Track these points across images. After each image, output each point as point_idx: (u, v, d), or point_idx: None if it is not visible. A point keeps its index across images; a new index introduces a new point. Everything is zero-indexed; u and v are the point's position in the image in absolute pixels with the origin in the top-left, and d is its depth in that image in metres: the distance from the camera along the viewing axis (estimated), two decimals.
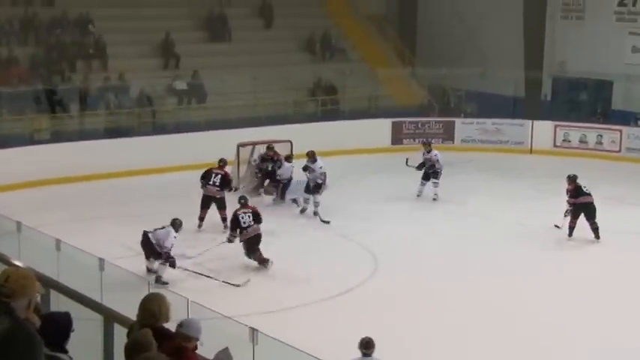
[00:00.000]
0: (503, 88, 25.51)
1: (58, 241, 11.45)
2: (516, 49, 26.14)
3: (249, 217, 13.84)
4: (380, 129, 24.00)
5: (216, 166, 16.15)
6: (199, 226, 15.82)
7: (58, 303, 6.85)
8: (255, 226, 13.86)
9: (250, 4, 27.01)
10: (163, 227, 13.18)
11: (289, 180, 18.05)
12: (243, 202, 14.27)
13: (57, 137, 20.59)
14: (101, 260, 10.63)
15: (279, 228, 16.35)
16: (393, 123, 24.34)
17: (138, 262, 13.45)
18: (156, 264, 13.10)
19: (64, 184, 19.27)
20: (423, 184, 18.66)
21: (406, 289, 13.07)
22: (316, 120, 23.92)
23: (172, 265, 12.94)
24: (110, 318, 6.21)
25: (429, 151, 18.91)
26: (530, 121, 24.17)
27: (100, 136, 20.93)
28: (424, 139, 21.21)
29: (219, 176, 15.87)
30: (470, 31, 27.37)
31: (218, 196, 15.85)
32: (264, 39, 26.16)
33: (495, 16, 26.82)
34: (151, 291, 8.06)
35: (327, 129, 23.08)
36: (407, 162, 18.95)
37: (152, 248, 13.06)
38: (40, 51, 22.66)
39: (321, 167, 17.43)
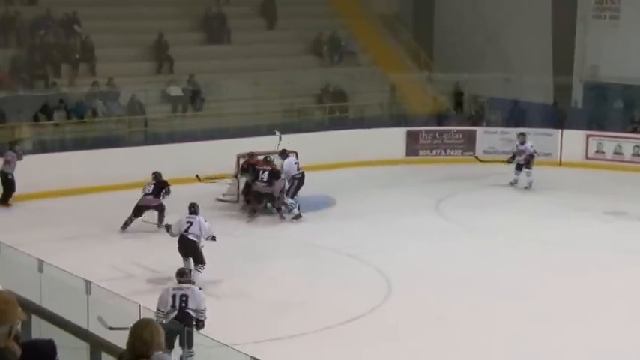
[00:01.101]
0: (529, 94, 25.56)
1: (40, 262, 11.48)
2: (544, 51, 26.21)
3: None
4: (394, 139, 24.08)
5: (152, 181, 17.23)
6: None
7: (41, 329, 6.90)
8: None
9: (251, 3, 27.23)
10: (190, 223, 13.97)
11: (300, 177, 18.27)
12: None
13: (40, 147, 20.75)
14: (88, 282, 10.66)
15: (279, 246, 16.42)
16: (408, 132, 24.42)
17: (128, 284, 13.54)
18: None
19: (47, 199, 19.33)
20: (517, 174, 20.82)
21: (421, 318, 13.05)
22: (324, 129, 24.04)
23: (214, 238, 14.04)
24: (97, 346, 6.23)
25: (522, 143, 20.77)
26: (559, 131, 24.18)
27: (87, 147, 21.06)
28: (521, 132, 21.96)
29: (152, 186, 17.32)
30: (493, 32, 27.45)
31: (154, 204, 17.16)
32: (266, 40, 26.31)
33: (521, 16, 26.89)
34: (143, 316, 8.10)
35: (336, 139, 23.20)
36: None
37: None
38: (22, 53, 22.83)
39: (296, 163, 18.28)
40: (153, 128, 22.72)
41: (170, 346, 9.51)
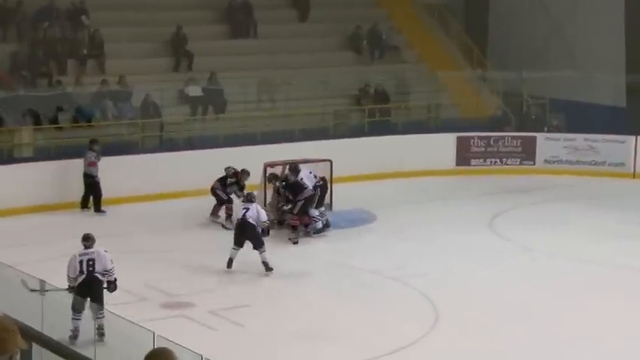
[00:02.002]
0: (598, 96, 25.41)
1: (42, 283, 11.59)
2: (615, 47, 26.03)
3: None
4: (442, 146, 24.06)
5: None
6: None
7: (42, 359, 6.97)
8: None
9: None
10: (247, 209, 15.85)
11: (321, 185, 18.51)
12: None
13: (43, 154, 20.90)
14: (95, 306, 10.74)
15: (311, 267, 16.45)
16: (459, 139, 24.40)
17: (140, 309, 13.65)
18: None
19: (50, 213, 19.51)
20: None
21: (472, 352, 12.98)
22: (362, 135, 24.04)
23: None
24: None
25: None
26: (634, 137, 24.03)
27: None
28: None
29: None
30: (556, 26, 27.32)
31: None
32: (297, 34, 26.37)
33: (589, 8, 26.71)
34: (158, 345, 8.15)
35: (376, 146, 23.20)
36: None
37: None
38: (23, 49, 23.05)
39: (310, 172, 18.42)
40: (169, 133, 22.80)
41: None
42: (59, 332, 10.93)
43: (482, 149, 24.50)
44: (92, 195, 19.74)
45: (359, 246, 17.82)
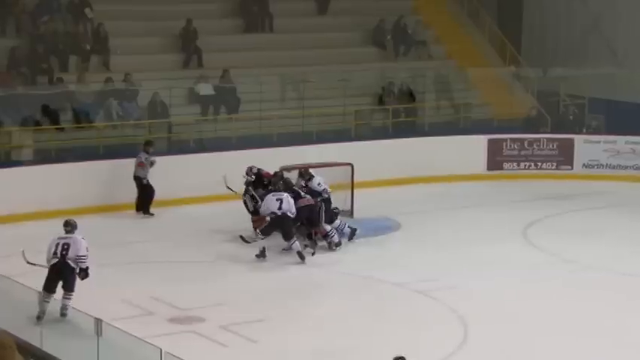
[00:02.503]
0: None
1: (40, 295, 11.60)
2: None
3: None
4: (472, 149, 24.08)
5: None
6: None
7: None
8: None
9: None
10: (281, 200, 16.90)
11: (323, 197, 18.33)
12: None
13: (43, 157, 20.98)
14: (98, 321, 10.77)
15: (330, 279, 16.50)
16: (490, 141, 24.37)
17: (146, 324, 13.67)
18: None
19: (50, 219, 19.41)
20: None
21: None
22: (386, 137, 24.06)
23: None
24: None
25: None
26: None
27: (98, 156, 21.26)
28: None
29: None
30: (596, 19, 27.23)
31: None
32: (316, 28, 26.38)
33: None
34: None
35: (401, 149, 23.20)
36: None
37: None
38: (22, 44, 23.12)
39: (319, 184, 18.28)
40: (178, 134, 22.88)
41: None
42: (59, 350, 10.96)
43: (516, 152, 24.45)
44: (142, 197, 20.10)
45: (382, 256, 17.81)
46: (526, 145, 24.51)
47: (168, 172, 20.63)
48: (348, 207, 19.96)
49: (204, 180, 20.31)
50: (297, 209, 17.44)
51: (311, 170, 18.84)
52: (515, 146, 24.50)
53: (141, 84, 22.98)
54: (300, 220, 17.70)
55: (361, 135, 23.87)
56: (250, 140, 22.29)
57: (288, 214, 17.06)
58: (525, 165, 24.38)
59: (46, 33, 23.48)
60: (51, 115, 21.74)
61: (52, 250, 13.67)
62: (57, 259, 13.58)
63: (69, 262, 13.65)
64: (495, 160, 24.34)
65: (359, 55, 26.30)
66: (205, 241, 18.57)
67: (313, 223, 17.89)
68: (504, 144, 24.46)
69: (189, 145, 22.56)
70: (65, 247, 13.64)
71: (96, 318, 10.84)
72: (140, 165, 20.06)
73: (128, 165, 20.50)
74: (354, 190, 19.99)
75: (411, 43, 27.13)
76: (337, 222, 18.30)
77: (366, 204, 19.82)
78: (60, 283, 13.58)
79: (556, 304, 15.42)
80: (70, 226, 13.94)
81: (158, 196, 20.35)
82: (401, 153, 22.97)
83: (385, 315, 14.95)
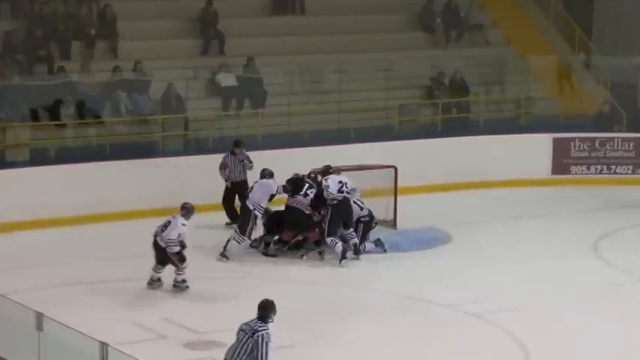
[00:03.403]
0: None
1: (39, 316, 11.67)
2: None
3: None
4: (535, 150, 24.04)
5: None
6: None
7: None
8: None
9: None
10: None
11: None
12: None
13: (41, 157, 21.08)
14: (103, 346, 10.80)
15: (368, 298, 16.41)
16: (556, 141, 24.32)
17: (158, 349, 13.71)
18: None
19: (48, 229, 19.67)
20: None
21: None
22: (435, 135, 24.09)
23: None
24: None
25: None
26: None
27: (105, 157, 21.33)
28: None
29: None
30: None
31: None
32: (354, 10, 26.37)
33: None
34: None
35: (452, 149, 23.24)
36: None
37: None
38: (19, 28, 23.26)
39: (341, 182, 18.24)
40: (196, 132, 22.97)
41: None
42: None
43: (586, 154, 24.38)
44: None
45: (429, 273, 17.77)
46: (597, 145, 24.42)
47: (183, 175, 20.72)
48: (390, 216, 19.93)
49: (224, 184, 20.27)
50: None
51: (334, 174, 18.64)
52: (585, 147, 24.41)
53: (153, 74, 23.11)
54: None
55: (406, 133, 23.91)
56: (278, 139, 22.39)
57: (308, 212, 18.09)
58: (596, 169, 24.30)
59: (46, 15, 23.60)
60: (51, 109, 21.86)
61: (160, 225, 16.33)
62: (152, 238, 16.26)
63: (158, 240, 16.18)
64: (561, 162, 24.29)
65: (404, 41, 26.33)
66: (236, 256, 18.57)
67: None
68: (572, 144, 24.39)
69: (209, 145, 22.63)
70: (165, 225, 16.19)
71: (101, 342, 10.88)
72: (221, 166, 19.93)
73: (138, 166, 20.65)
74: (398, 197, 19.94)
75: (464, 28, 27.13)
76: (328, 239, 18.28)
77: (411, 212, 19.77)
78: None
79: (632, 329, 15.28)
80: (183, 210, 16.32)
81: (173, 201, 20.31)
82: (452, 154, 23.00)
83: (432, 341, 14.87)
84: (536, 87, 26.43)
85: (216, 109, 23.68)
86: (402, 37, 26.46)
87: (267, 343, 10.49)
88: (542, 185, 23.63)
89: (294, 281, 16.98)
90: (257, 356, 10.47)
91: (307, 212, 18.21)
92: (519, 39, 27.31)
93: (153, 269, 16.37)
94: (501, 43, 27.32)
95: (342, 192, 18.15)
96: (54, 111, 21.84)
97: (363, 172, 19.57)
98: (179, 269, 16.30)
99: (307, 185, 18.56)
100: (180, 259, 16.24)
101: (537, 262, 18.28)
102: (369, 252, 18.46)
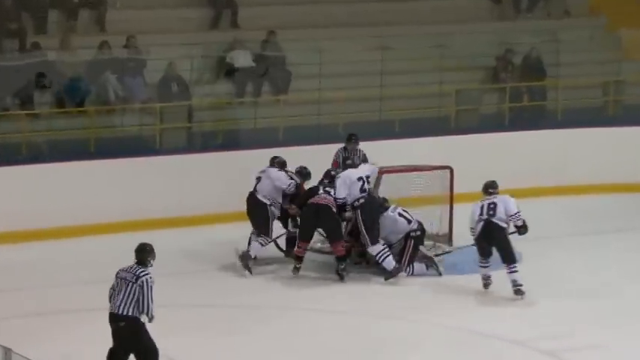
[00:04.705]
0: None
1: (7, 352, 11.65)
2: None
3: None
4: (627, 147, 24.01)
5: None
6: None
7: None
8: None
9: None
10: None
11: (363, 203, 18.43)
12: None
13: (9, 155, 21.09)
14: None
15: (415, 332, 16.42)
16: None
17: None
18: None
19: (19, 245, 19.78)
20: None
21: None
22: (501, 128, 24.24)
23: None
24: None
25: None
26: None
27: (89, 155, 21.40)
28: None
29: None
30: None
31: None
32: None
33: None
34: None
35: (522, 146, 23.37)
36: None
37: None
38: None
39: (361, 179, 18.49)
40: (202, 123, 22.98)
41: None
42: None
43: None
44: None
45: (492, 301, 17.81)
46: None
47: (184, 177, 20.82)
48: (444, 229, 19.88)
49: (235, 190, 20.10)
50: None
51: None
52: None
53: (149, 51, 23.13)
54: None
55: (465, 126, 24.03)
56: (304, 132, 22.49)
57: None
58: None
59: None
60: (22, 96, 21.93)
61: (477, 213, 17.67)
62: (482, 222, 17.67)
63: (496, 221, 17.59)
64: None
65: (462, 11, 26.54)
66: (237, 274, 18.69)
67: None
68: None
69: (218, 140, 22.65)
70: (492, 206, 17.61)
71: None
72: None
73: (130, 167, 20.74)
74: (454, 205, 19.86)
75: None
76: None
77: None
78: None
79: None
80: (487, 188, 17.84)
81: (175, 211, 20.48)
82: (522, 151, 23.11)
83: None
84: (628, 68, 26.32)
85: (227, 96, 23.76)
86: (459, 6, 26.60)
87: (151, 287, 12.61)
88: (636, 192, 23.56)
89: (329, 312, 17.03)
90: (142, 300, 12.64)
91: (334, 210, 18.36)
92: (608, 8, 27.26)
93: (481, 264, 17.84)
94: (585, 13, 27.33)
95: (365, 190, 18.39)
96: (26, 98, 21.88)
97: (412, 174, 19.57)
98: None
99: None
100: (524, 231, 17.98)
101: (629, 288, 18.24)
102: (418, 275, 18.44)
